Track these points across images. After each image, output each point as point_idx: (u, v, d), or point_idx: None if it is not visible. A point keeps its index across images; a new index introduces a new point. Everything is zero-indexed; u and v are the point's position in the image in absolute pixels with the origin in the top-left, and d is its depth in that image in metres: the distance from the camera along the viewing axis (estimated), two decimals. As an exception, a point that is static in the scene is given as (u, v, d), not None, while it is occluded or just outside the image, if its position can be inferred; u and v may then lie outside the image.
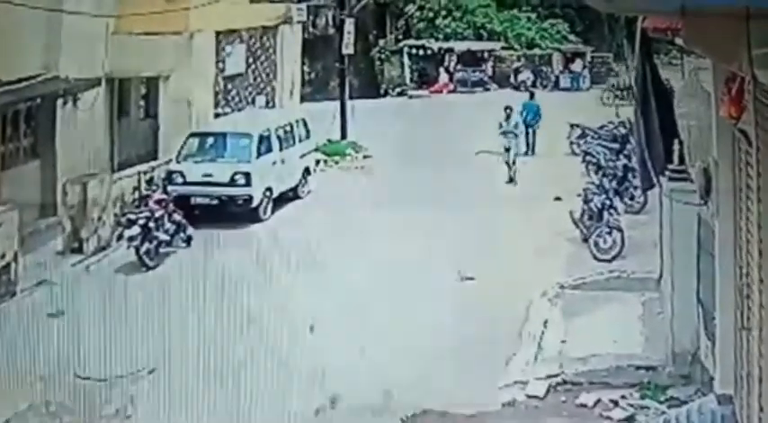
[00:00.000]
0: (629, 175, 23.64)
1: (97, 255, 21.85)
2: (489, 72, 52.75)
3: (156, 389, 15.03)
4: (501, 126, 30.79)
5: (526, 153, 33.88)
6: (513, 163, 29.81)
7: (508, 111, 31.11)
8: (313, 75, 47.48)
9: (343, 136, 35.52)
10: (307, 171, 28.27)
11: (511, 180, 29.42)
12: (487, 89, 51.27)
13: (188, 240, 22.27)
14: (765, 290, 9.81)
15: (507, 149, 30.22)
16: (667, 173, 14.70)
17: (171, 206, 22.16)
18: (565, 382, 14.68)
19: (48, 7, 22.21)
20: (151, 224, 21.22)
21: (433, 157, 29.70)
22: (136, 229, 20.96)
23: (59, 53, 23.27)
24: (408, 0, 53.32)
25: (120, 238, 22.01)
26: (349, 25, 36.96)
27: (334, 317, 17.66)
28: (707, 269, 13.23)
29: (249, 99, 33.39)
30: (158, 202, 21.87)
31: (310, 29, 44.49)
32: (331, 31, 44.45)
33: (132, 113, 28.45)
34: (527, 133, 34.19)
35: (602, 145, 28.05)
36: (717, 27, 8.96)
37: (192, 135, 26.36)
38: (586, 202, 22.01)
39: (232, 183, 24.67)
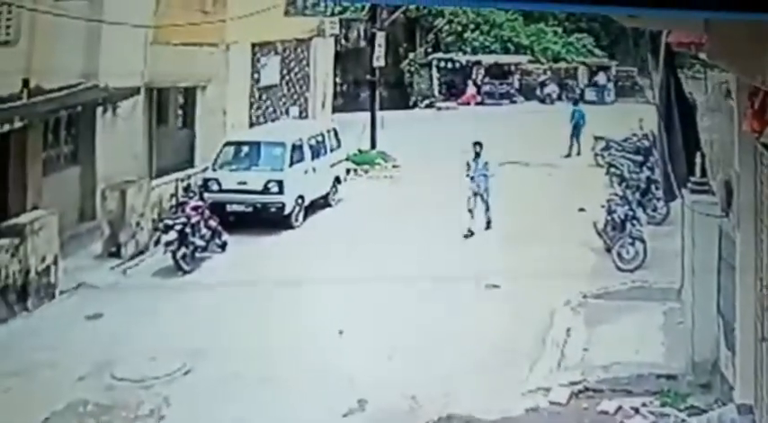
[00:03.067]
0: (652, 187, 23.55)
1: (135, 259, 21.90)
2: (516, 85, 52.67)
3: (191, 390, 15.06)
4: (468, 167, 24.75)
5: (569, 155, 34.51)
6: (487, 209, 24.37)
7: (477, 148, 24.91)
8: (344, 86, 47.55)
9: (373, 146, 35.53)
10: (337, 180, 28.30)
11: (471, 234, 23.91)
12: (514, 102, 51.19)
13: (223, 246, 22.35)
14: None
15: (476, 194, 24.42)
16: (689, 185, 14.61)
17: (207, 212, 22.22)
18: (587, 390, 14.60)
19: (88, 17, 22.33)
20: (188, 230, 21.26)
21: (460, 168, 29.61)
22: (173, 235, 21.00)
23: (99, 62, 23.37)
24: (438, 14, 53.27)
25: (157, 243, 22.08)
26: (380, 38, 36.99)
27: (363, 322, 17.67)
28: (727, 280, 13.14)
29: (283, 109, 33.46)
30: (195, 208, 21.91)
31: (342, 42, 44.59)
32: (362, 44, 44.50)
33: (170, 122, 28.56)
34: (574, 135, 35.03)
35: (626, 157, 27.93)
36: (740, 41, 8.89)
37: (228, 144, 26.41)
38: (610, 212, 21.90)
39: (266, 190, 24.71)
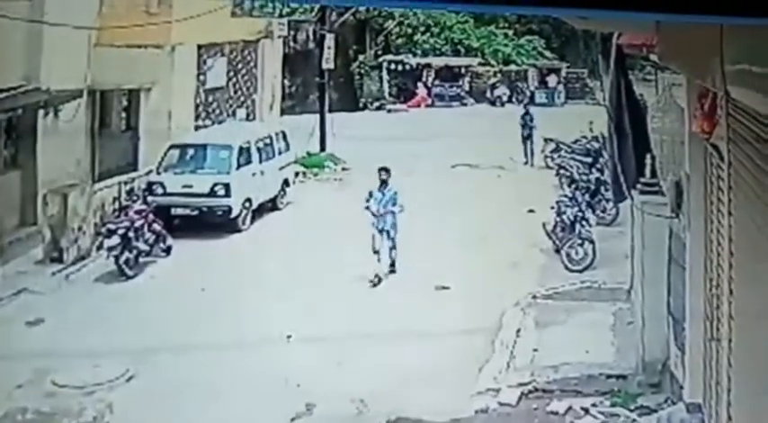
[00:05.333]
0: (602, 188, 23.71)
1: (77, 264, 21.69)
2: (466, 87, 52.86)
3: (134, 397, 14.92)
4: (369, 198, 20.95)
5: (526, 162, 33.93)
6: (393, 247, 20.86)
7: (383, 174, 21.12)
8: (293, 88, 47.48)
9: (322, 148, 35.48)
10: (286, 183, 28.20)
11: (379, 281, 20.33)
12: (464, 104, 51.37)
13: (167, 250, 22.16)
14: (735, 301, 9.77)
15: (381, 231, 20.72)
16: (639, 186, 14.68)
17: (151, 216, 22.05)
18: (536, 390, 14.65)
19: (29, 18, 22.07)
20: (131, 234, 21.09)
21: (410, 170, 29.62)
22: (115, 239, 20.84)
23: (41, 65, 23.09)
24: (388, 16, 53.35)
25: (99, 247, 21.90)
26: (329, 40, 36.97)
27: (310, 326, 17.58)
28: (677, 281, 13.21)
29: (230, 112, 33.31)
30: (138, 212, 21.76)
31: (291, 44, 44.55)
32: (311, 46, 44.52)
33: (113, 125, 28.26)
34: (527, 140, 34.29)
35: (576, 159, 28.12)
36: (691, 44, 8.94)
37: (173, 146, 26.23)
38: (559, 214, 22.01)
39: (212, 194, 24.58)
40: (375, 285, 20.24)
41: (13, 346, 16.86)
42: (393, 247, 20.94)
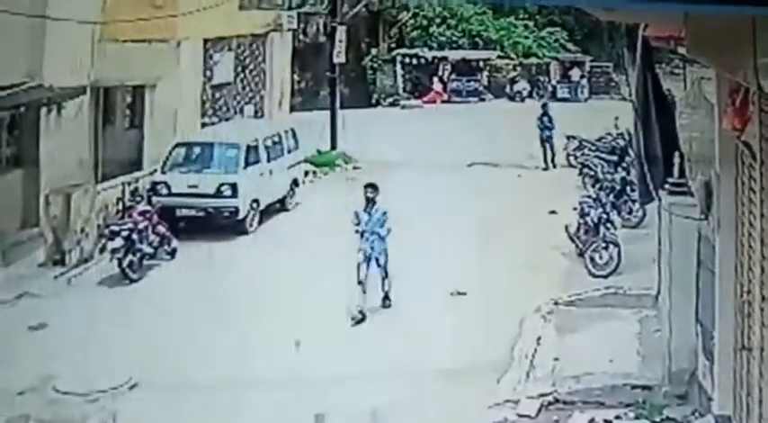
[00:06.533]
0: (628, 189, 23.65)
1: (80, 267, 21.82)
2: (484, 82, 52.76)
3: (138, 405, 14.98)
4: (357, 218, 19.25)
5: (546, 168, 33.69)
6: (385, 277, 19.28)
7: (370, 192, 19.41)
8: (303, 84, 47.53)
9: (333, 146, 35.53)
10: (295, 182, 28.25)
11: (363, 317, 18.64)
12: (483, 99, 51.28)
13: (172, 253, 22.26)
14: (767, 308, 9.76)
15: (368, 259, 19.11)
16: (667, 186, 14.64)
17: (155, 218, 22.16)
18: (557, 401, 14.62)
19: (32, 13, 22.13)
20: (134, 236, 21.19)
21: (425, 169, 29.67)
22: (119, 241, 20.94)
23: (44, 61, 23.17)
24: (402, 8, 53.34)
25: (102, 250, 21.98)
26: (340, 33, 36.98)
27: (321, 333, 17.60)
28: (706, 286, 13.18)
29: (237, 108, 33.38)
30: (142, 213, 21.86)
31: (301, 37, 44.58)
32: (322, 39, 44.47)
33: (117, 123, 28.39)
34: (546, 142, 33.93)
35: (600, 157, 28.06)
36: (721, 36, 8.93)
37: (178, 145, 26.32)
38: (582, 215, 21.95)
39: (218, 194, 24.64)
40: (358, 323, 18.50)
41: (14, 352, 16.94)
42: (385, 277, 19.35)
